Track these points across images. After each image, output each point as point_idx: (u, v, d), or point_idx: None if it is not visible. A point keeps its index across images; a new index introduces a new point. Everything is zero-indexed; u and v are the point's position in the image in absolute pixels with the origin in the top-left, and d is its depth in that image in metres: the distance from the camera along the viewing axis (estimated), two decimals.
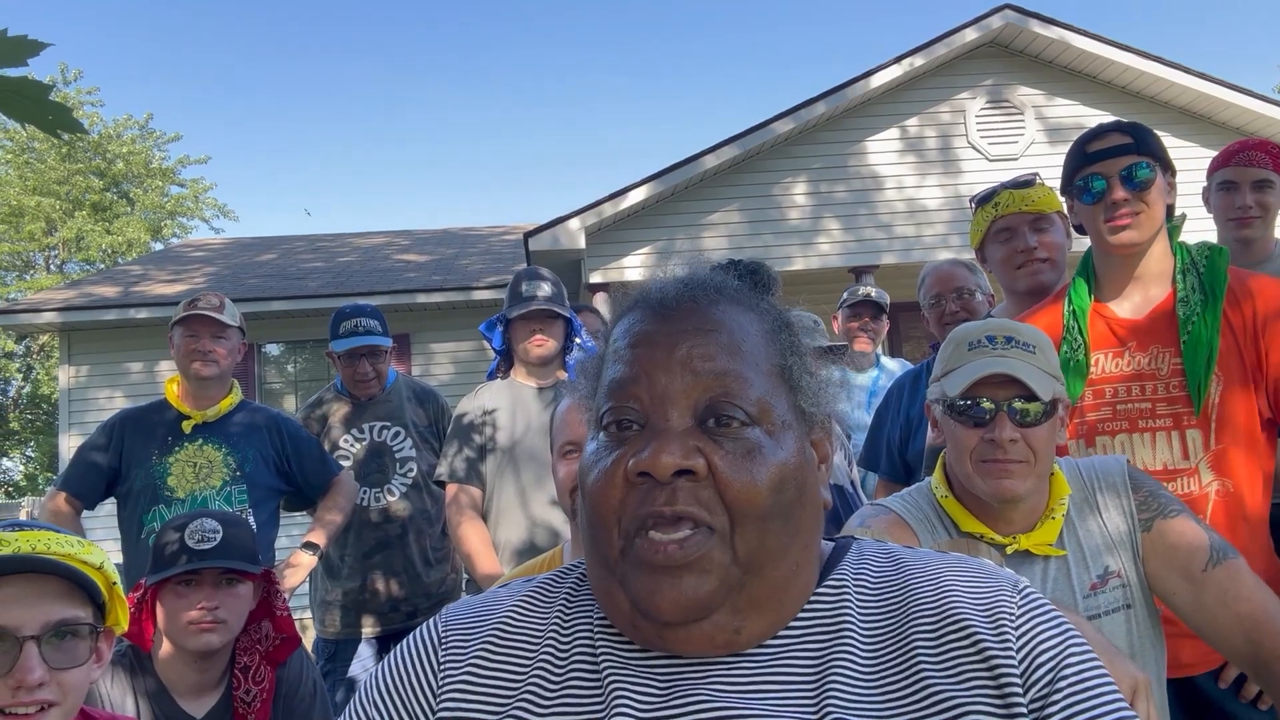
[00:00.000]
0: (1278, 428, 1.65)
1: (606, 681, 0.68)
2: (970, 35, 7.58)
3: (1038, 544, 1.35)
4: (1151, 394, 1.66)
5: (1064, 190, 1.82)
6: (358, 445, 3.07)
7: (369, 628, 2.99)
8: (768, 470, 0.67)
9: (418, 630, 0.77)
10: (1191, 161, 7.86)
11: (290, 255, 10.71)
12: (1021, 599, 0.71)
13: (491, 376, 2.77)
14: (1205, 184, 2.61)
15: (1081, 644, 0.69)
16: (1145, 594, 1.36)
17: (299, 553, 2.61)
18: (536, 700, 0.69)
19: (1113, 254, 1.72)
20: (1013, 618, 0.69)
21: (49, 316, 8.23)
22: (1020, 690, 0.65)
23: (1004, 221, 2.17)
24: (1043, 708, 0.65)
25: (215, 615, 1.68)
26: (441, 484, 2.62)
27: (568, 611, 0.75)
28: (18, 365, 23.87)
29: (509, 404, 2.59)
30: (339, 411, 3.11)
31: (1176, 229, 1.80)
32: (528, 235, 7.24)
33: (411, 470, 3.07)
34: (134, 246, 23.33)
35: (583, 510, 0.71)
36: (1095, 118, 7.81)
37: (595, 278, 7.34)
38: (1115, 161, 1.67)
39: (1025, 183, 2.22)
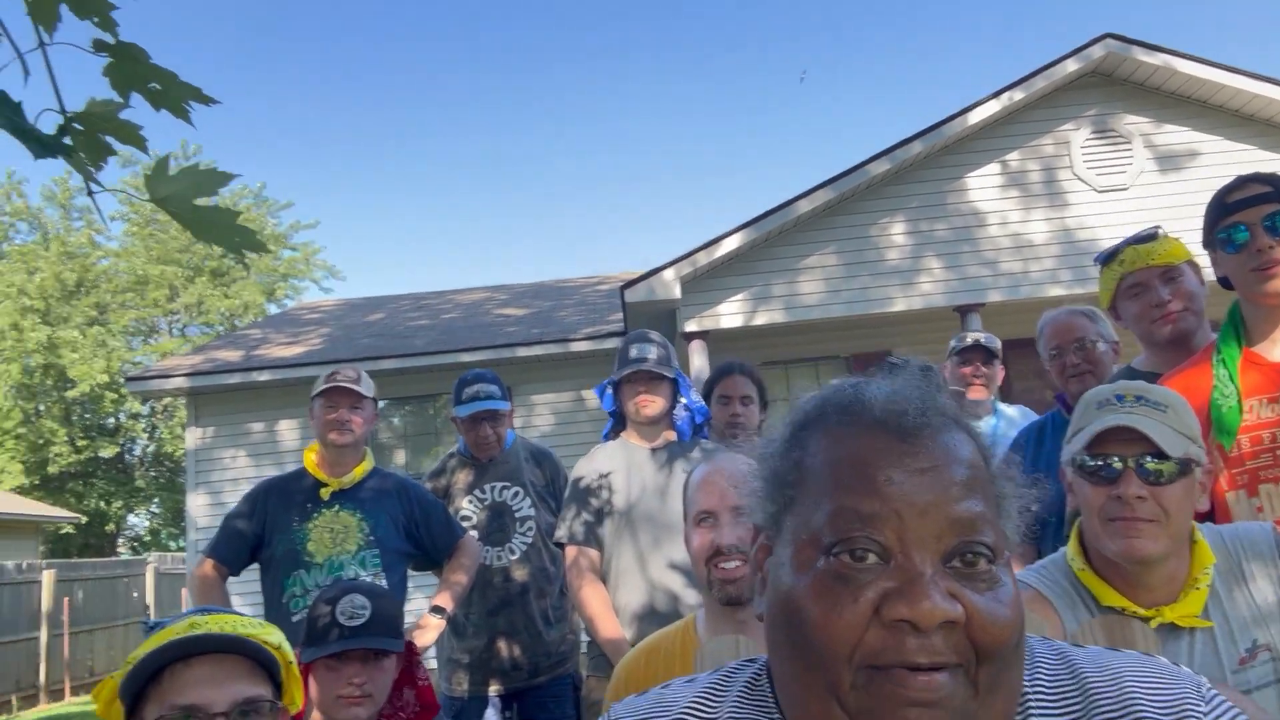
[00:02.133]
0: None
1: None
2: (1071, 66, 7.40)
3: (1183, 616, 1.29)
4: None
5: (1205, 243, 1.79)
6: (480, 506, 3.13)
7: (494, 686, 3.02)
8: (1011, 608, 0.65)
9: None
10: None
11: (397, 314, 11.11)
12: (1209, 706, 0.68)
13: (606, 438, 2.80)
14: None
15: None
16: None
17: (428, 616, 2.67)
18: None
19: (1261, 302, 1.67)
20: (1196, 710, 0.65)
21: (178, 382, 8.72)
22: None
23: (1133, 278, 2.12)
24: None
25: (363, 690, 1.73)
26: (561, 545, 2.64)
27: (755, 710, 0.73)
28: (143, 426, 25.31)
29: (624, 466, 2.60)
30: (462, 476, 3.19)
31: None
32: (624, 287, 7.33)
33: (531, 530, 3.12)
34: (250, 309, 24.61)
35: (785, 629, 0.69)
36: (1207, 143, 7.53)
37: (690, 326, 7.37)
38: (1257, 210, 1.66)
39: (1148, 237, 2.16)
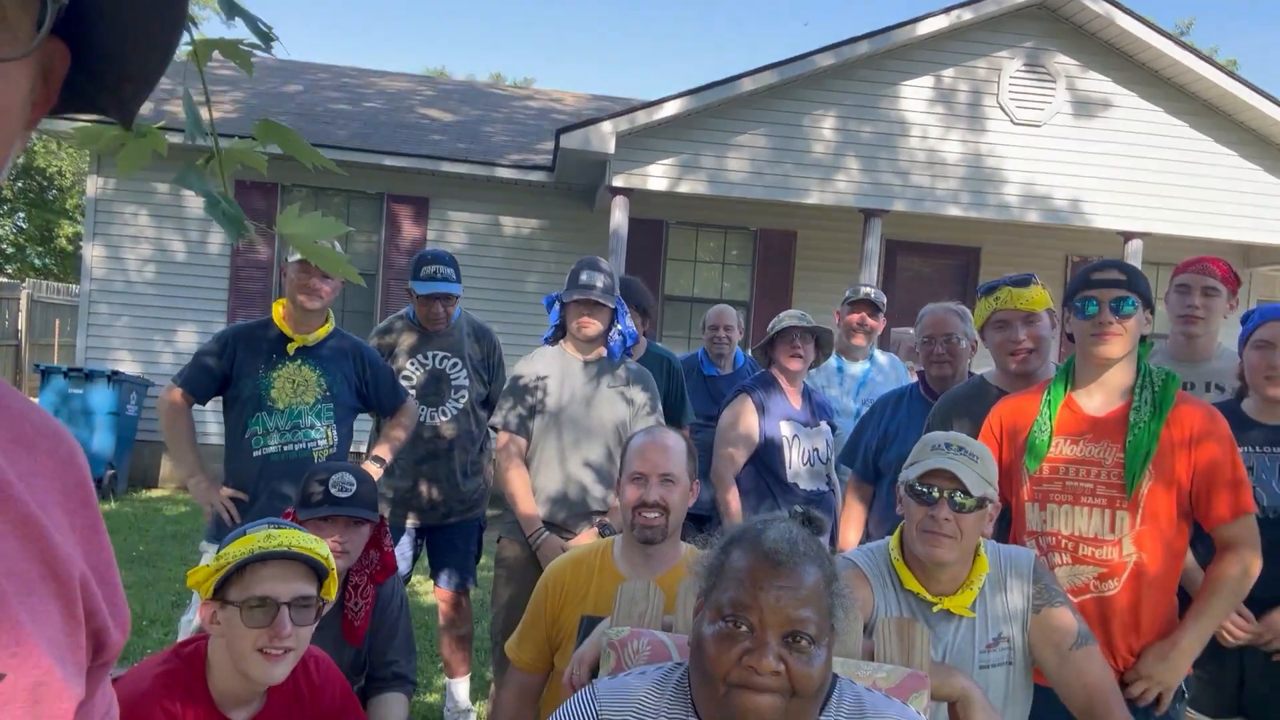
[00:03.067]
0: (1191, 520, 2.14)
1: None
2: None
3: (957, 606, 1.88)
4: (1094, 477, 2.11)
5: (1065, 303, 2.22)
6: (420, 370, 3.54)
7: (411, 520, 3.55)
8: (817, 670, 1.18)
9: (577, 697, 1.29)
10: (1206, 155, 8.18)
11: (316, 89, 10.74)
12: None
13: (546, 342, 3.23)
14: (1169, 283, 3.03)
15: None
16: (1024, 657, 1.91)
17: (368, 464, 3.13)
18: None
19: (1091, 362, 2.15)
20: None
21: (83, 124, 8.38)
22: None
23: (1002, 315, 2.57)
24: None
25: (343, 546, 2.21)
26: (494, 429, 3.13)
27: (674, 703, 1.27)
28: None
29: (558, 372, 3.06)
30: (407, 339, 3.56)
31: (1146, 350, 2.26)
32: (560, 132, 7.46)
33: (463, 397, 3.56)
34: None
35: (698, 655, 1.21)
36: (1121, 96, 8.07)
37: (618, 181, 7.62)
38: (1109, 291, 2.09)
39: (1023, 281, 2.61)
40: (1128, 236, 8.22)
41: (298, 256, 3.03)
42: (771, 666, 1.14)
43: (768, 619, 1.17)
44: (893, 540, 1.96)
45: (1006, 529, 2.29)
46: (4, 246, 26.32)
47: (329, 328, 3.14)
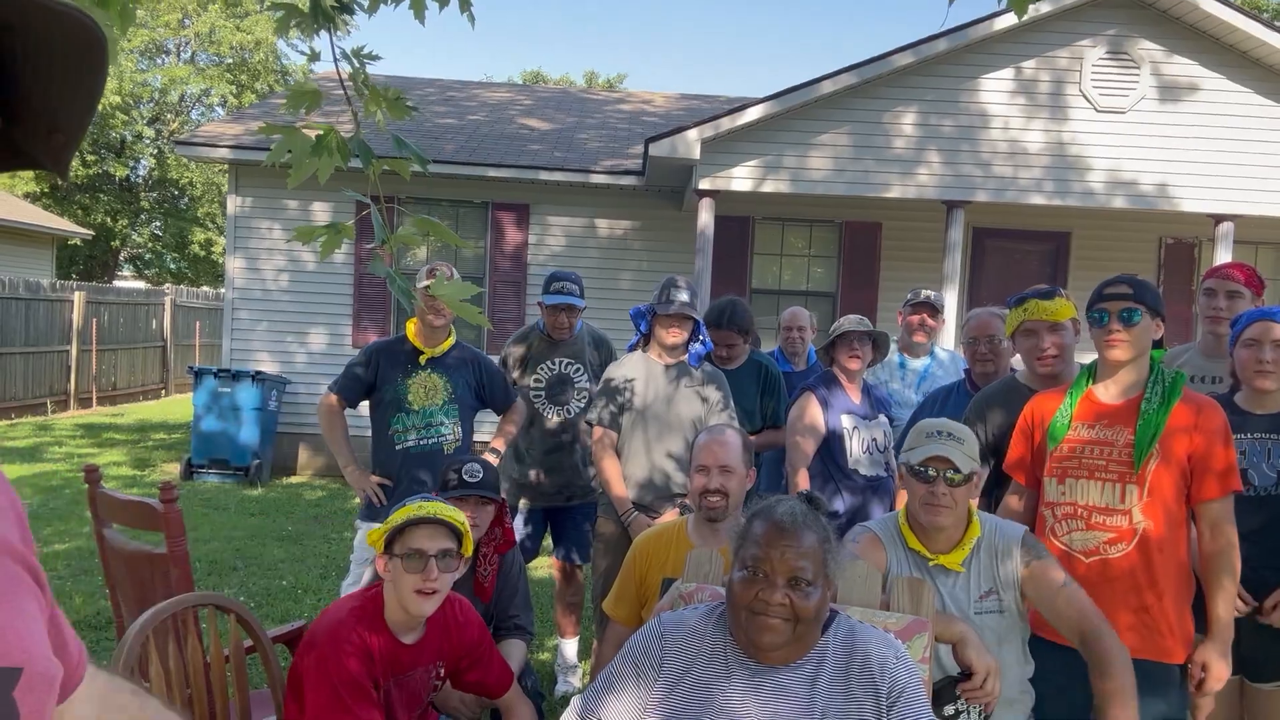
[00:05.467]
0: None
1: (731, 660, 1.69)
2: None
3: (949, 561, 2.28)
4: (1107, 456, 2.47)
5: (1086, 312, 2.57)
6: (548, 374, 4.10)
7: (525, 502, 4.12)
8: (814, 604, 1.64)
9: (649, 624, 1.79)
10: None
11: (423, 105, 11.53)
12: (896, 656, 1.69)
13: (632, 348, 3.74)
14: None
15: (917, 680, 1.67)
16: (1014, 605, 2.26)
17: (487, 454, 3.72)
18: (704, 660, 1.71)
19: (1106, 363, 2.52)
20: (888, 664, 1.67)
21: (222, 152, 9.35)
22: (888, 698, 1.64)
23: (1030, 325, 2.90)
24: (892, 705, 1.64)
25: (474, 521, 2.78)
26: (590, 424, 3.67)
27: (716, 630, 1.76)
28: (151, 149, 25.53)
29: (644, 375, 3.57)
30: (538, 347, 4.13)
31: (1160, 353, 2.60)
32: (649, 141, 7.95)
33: (585, 397, 4.10)
34: (261, 46, 24.25)
35: (730, 594, 1.70)
36: (1208, 79, 8.04)
37: (704, 184, 8.06)
38: (1118, 304, 2.45)
39: (1049, 294, 2.93)
40: (1218, 219, 8.18)
41: (425, 283, 3.63)
42: (779, 599, 1.62)
43: (777, 568, 1.64)
44: (900, 512, 2.38)
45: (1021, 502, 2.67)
46: (144, 254, 28.52)
47: (451, 341, 3.75)
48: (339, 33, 1.96)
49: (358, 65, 1.83)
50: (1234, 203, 8.10)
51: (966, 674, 2.03)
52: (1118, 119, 8.11)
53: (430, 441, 3.66)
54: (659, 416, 3.53)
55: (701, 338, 3.60)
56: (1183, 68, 8.07)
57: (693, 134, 7.79)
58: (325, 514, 7.47)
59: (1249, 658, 2.63)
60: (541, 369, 4.07)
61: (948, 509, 2.22)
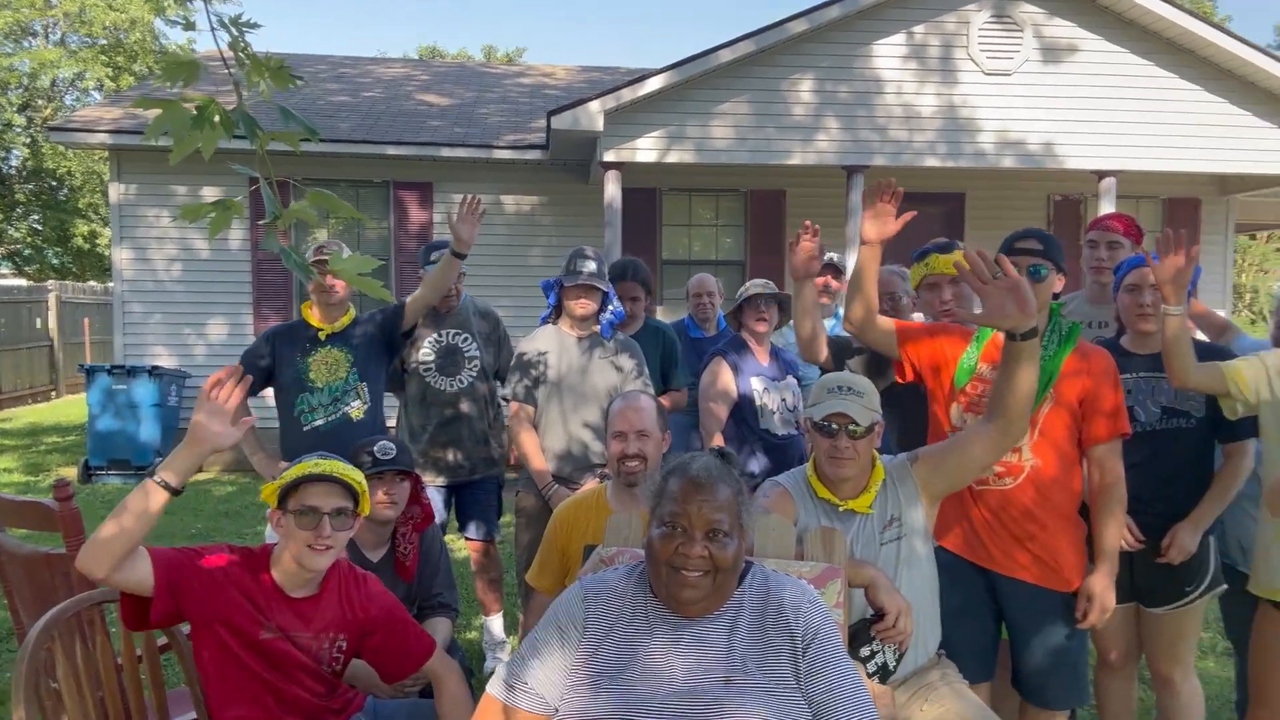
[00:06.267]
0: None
1: (652, 616, 1.72)
2: None
3: (859, 505, 2.35)
4: None
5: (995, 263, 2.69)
6: (437, 345, 4.03)
7: (439, 480, 4.06)
8: (731, 554, 1.68)
9: (572, 587, 1.81)
10: (1173, 92, 8.52)
11: (316, 83, 11.16)
12: (809, 600, 1.75)
13: (544, 321, 3.72)
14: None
15: (830, 623, 1.73)
16: (912, 532, 2.35)
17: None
18: (627, 619, 1.73)
19: None
20: (802, 608, 1.72)
21: (101, 137, 8.87)
22: (803, 641, 1.69)
23: (932, 278, 3.01)
24: (806, 647, 1.69)
25: (392, 498, 2.75)
26: (506, 400, 3.64)
27: (637, 588, 1.78)
28: (24, 138, 24.01)
29: (556, 348, 3.56)
30: (424, 319, 4.06)
31: (1059, 306, 2.72)
32: (550, 114, 7.88)
33: (476, 366, 4.05)
34: (137, 25, 22.98)
35: (649, 551, 1.72)
36: (1088, 40, 8.38)
37: (609, 156, 8.04)
38: (1028, 259, 2.55)
39: (947, 248, 3.05)
40: (1101, 175, 8.58)
41: (311, 259, 3.54)
42: (699, 552, 1.65)
43: (694, 522, 1.67)
44: (809, 465, 2.45)
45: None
46: (22, 249, 26.89)
47: (351, 315, 3.67)
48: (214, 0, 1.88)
49: (237, 34, 1.76)
50: (1115, 159, 8.50)
51: (880, 615, 2.11)
52: (1004, 81, 8.40)
53: (338, 416, 3.58)
54: (574, 388, 3.53)
55: (612, 307, 3.61)
56: (1063, 29, 8.40)
57: (595, 106, 7.75)
58: (235, 510, 7.25)
59: (1143, 586, 2.81)
60: (429, 342, 4.00)
61: (851, 460, 2.30)
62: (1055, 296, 2.64)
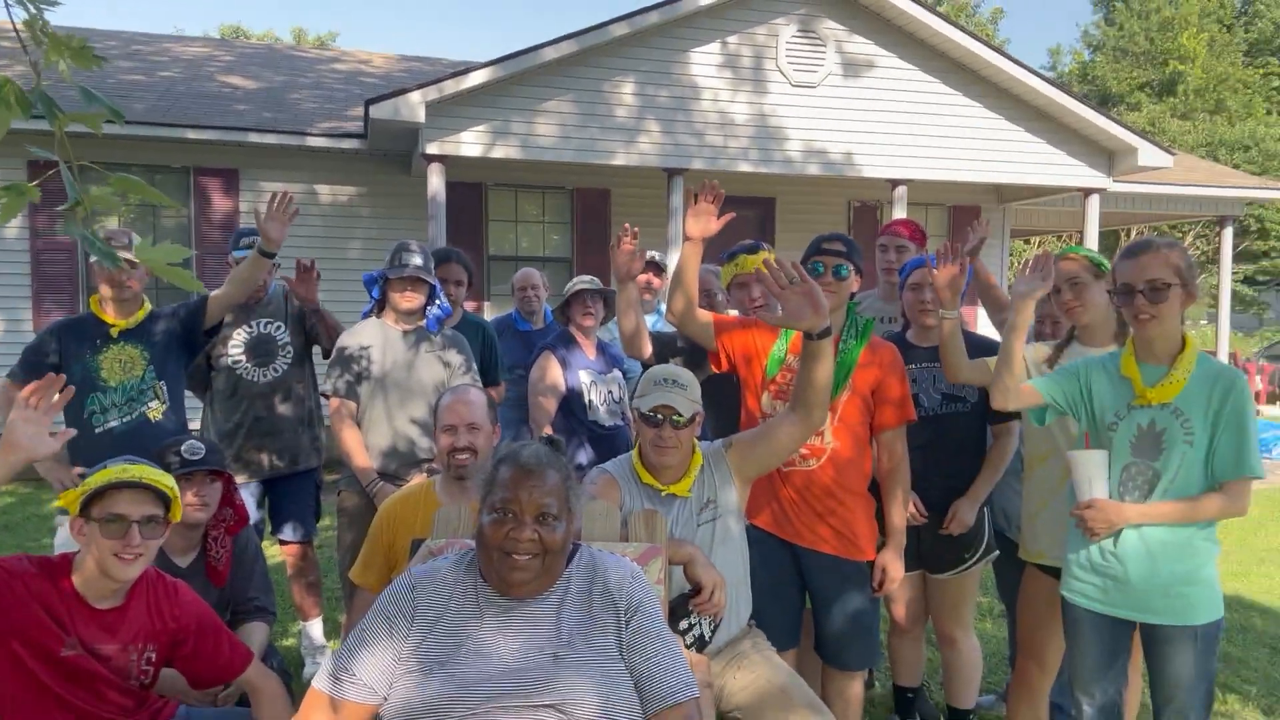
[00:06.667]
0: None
1: (482, 601, 1.77)
2: None
3: (679, 490, 2.49)
4: None
5: (803, 262, 2.81)
6: (248, 336, 3.86)
7: (247, 478, 3.88)
8: (561, 536, 1.76)
9: (401, 578, 1.82)
10: (957, 109, 9.31)
11: (106, 61, 10.28)
12: (631, 575, 1.85)
13: (366, 315, 3.65)
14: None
15: (652, 596, 1.84)
16: (727, 512, 2.52)
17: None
18: (456, 605, 1.77)
19: None
20: (625, 583, 1.82)
21: None
22: (626, 614, 1.79)
23: (741, 277, 3.24)
24: (630, 620, 1.79)
25: (203, 500, 2.63)
26: (327, 396, 3.54)
27: (467, 575, 1.82)
28: None
29: (380, 342, 3.51)
30: (235, 312, 3.88)
31: (856, 304, 2.96)
32: (369, 102, 7.66)
33: (290, 353, 3.90)
34: None
35: (479, 537, 1.77)
36: (885, 58, 9.05)
37: (432, 149, 7.92)
38: (833, 259, 2.78)
39: (754, 248, 3.28)
40: (895, 183, 9.30)
41: (123, 251, 3.32)
42: (529, 536, 1.72)
43: (525, 507, 1.74)
44: (634, 452, 2.58)
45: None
46: None
47: (146, 310, 3.46)
48: None
49: (34, 11, 1.65)
50: (907, 169, 9.24)
51: (697, 590, 2.25)
52: (810, 93, 8.93)
53: (134, 417, 3.36)
54: (400, 383, 3.49)
55: (439, 301, 3.59)
56: (861, 47, 9.04)
57: (416, 96, 7.61)
58: (16, 521, 6.59)
59: (929, 555, 3.12)
60: (238, 334, 3.84)
61: (674, 449, 2.43)
62: (852, 296, 2.89)
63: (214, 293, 3.55)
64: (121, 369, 3.38)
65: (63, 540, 3.36)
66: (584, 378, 3.91)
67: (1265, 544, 6.63)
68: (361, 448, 3.45)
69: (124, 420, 3.36)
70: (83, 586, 2.04)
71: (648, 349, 3.15)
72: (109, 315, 3.39)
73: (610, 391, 3.97)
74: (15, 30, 1.73)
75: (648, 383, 2.49)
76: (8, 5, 1.69)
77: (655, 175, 8.96)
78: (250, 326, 3.87)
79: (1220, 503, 2.24)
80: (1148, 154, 9.53)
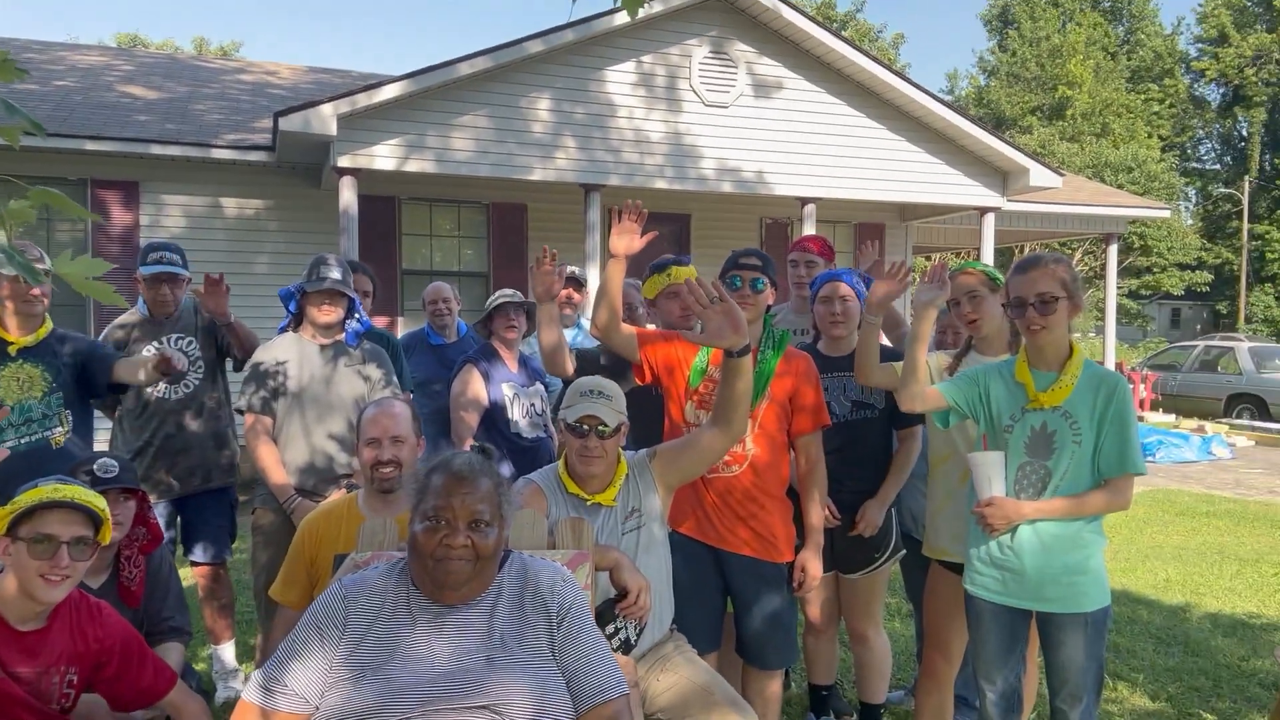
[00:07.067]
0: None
1: (414, 607, 1.79)
2: None
3: (604, 499, 2.55)
4: None
5: (720, 276, 2.94)
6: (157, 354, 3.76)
7: (165, 496, 3.77)
8: (492, 542, 1.79)
9: (332, 588, 1.83)
10: (862, 130, 9.66)
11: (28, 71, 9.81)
12: (562, 579, 1.91)
13: (282, 330, 3.60)
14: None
15: (582, 598, 1.90)
16: (650, 519, 2.60)
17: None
18: (388, 612, 1.79)
19: None
20: (556, 586, 1.88)
21: None
22: (558, 616, 1.84)
23: (671, 287, 3.30)
24: (561, 621, 1.84)
25: (116, 519, 2.56)
26: (241, 411, 3.48)
27: (399, 583, 1.84)
28: None
29: (297, 357, 3.47)
30: (142, 329, 3.77)
31: (771, 316, 3.07)
32: (279, 114, 7.52)
33: (202, 368, 3.81)
34: None
35: (411, 544, 1.79)
36: (793, 79, 9.34)
37: (344, 162, 7.82)
38: (750, 273, 2.89)
39: (684, 261, 3.36)
40: (804, 201, 9.59)
41: (8, 270, 3.19)
42: (462, 542, 1.75)
43: (458, 514, 1.77)
44: (560, 462, 2.63)
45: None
46: None
47: (48, 328, 3.35)
48: None
49: None
50: (815, 188, 9.54)
51: (622, 594, 2.31)
52: (722, 113, 9.15)
53: (34, 438, 3.23)
54: (317, 398, 3.45)
55: (358, 315, 3.57)
56: (771, 68, 9.31)
57: (328, 109, 7.51)
58: None
59: (841, 555, 3.25)
60: (147, 351, 3.74)
61: (599, 459, 2.50)
62: (768, 309, 3.01)
63: (119, 362, 3.43)
64: (19, 387, 3.26)
65: None
66: (506, 390, 3.94)
67: (1150, 541, 7.06)
68: (278, 464, 3.40)
69: (22, 440, 3.23)
70: (4, 608, 1.98)
71: (569, 366, 3.21)
72: (9, 332, 3.27)
73: (532, 404, 4.00)
74: None
75: (574, 394, 2.55)
76: None
77: (572, 190, 9.03)
78: (160, 343, 3.78)
79: (1106, 497, 2.42)
80: (1039, 175, 10.06)
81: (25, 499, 2.00)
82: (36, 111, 8.57)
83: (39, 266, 3.19)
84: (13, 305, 3.24)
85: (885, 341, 3.81)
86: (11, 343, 3.25)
